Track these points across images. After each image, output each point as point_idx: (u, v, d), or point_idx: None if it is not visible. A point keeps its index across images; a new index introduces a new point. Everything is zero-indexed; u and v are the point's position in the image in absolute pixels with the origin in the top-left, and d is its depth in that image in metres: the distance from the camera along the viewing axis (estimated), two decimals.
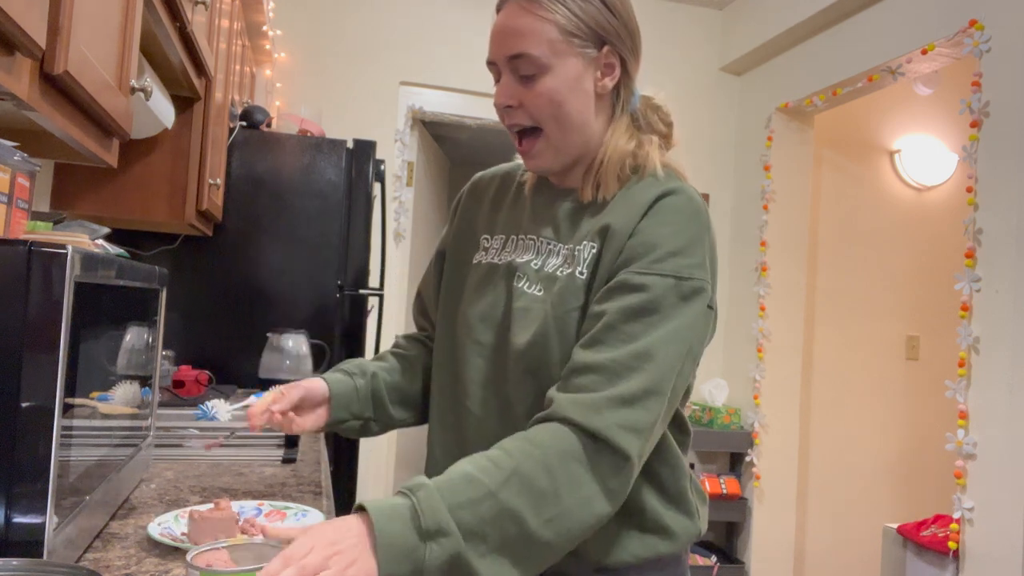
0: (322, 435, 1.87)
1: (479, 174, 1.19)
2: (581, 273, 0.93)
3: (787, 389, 3.48)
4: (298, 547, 0.69)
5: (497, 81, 0.98)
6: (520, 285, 0.97)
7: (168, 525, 1.04)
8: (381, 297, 2.68)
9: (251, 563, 0.71)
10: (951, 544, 2.31)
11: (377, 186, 2.74)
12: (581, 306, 0.92)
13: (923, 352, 3.79)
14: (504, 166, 1.17)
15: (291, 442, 1.55)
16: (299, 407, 1.06)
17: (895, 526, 2.75)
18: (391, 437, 3.39)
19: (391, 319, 3.35)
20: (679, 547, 0.98)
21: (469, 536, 0.75)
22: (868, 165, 3.77)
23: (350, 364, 1.13)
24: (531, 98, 0.94)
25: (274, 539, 0.76)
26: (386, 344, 3.29)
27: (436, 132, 3.98)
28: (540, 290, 0.95)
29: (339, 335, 2.53)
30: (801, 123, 3.54)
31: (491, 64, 0.99)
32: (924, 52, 2.63)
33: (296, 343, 2.29)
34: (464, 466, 0.81)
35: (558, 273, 0.95)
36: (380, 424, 1.13)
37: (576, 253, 0.95)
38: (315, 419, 1.07)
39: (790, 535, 3.46)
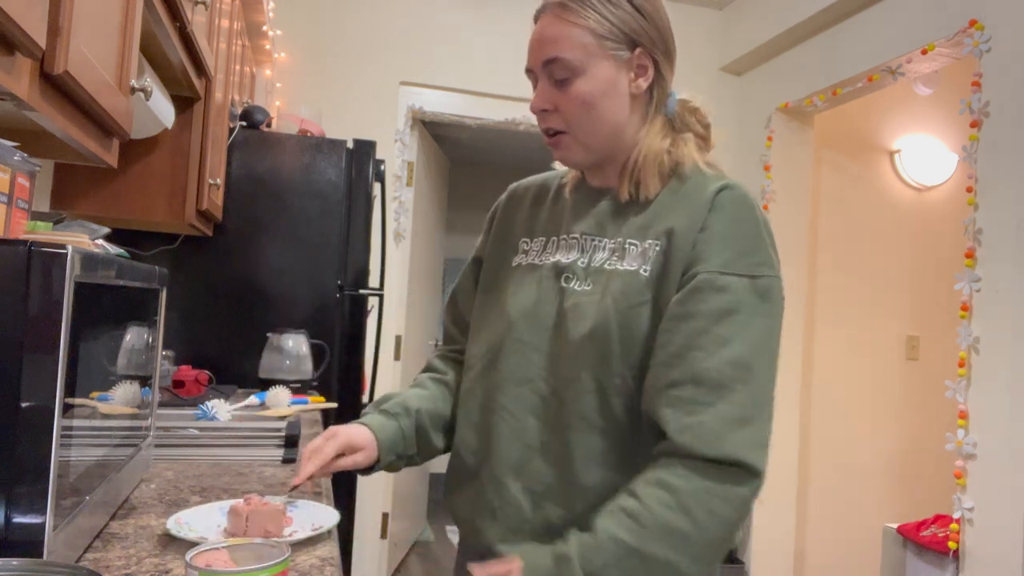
0: None
1: (515, 183, 1.20)
2: (646, 271, 0.94)
3: (787, 389, 3.48)
4: None
5: (534, 87, 1.01)
6: (570, 285, 0.98)
7: (189, 521, 1.04)
8: (381, 297, 2.68)
9: (251, 563, 0.71)
10: (951, 544, 2.31)
11: (377, 186, 2.74)
12: (647, 301, 0.93)
13: (923, 352, 3.79)
14: (541, 175, 1.18)
15: (291, 442, 1.55)
16: (338, 455, 1.03)
17: (895, 526, 2.75)
18: None
19: (391, 319, 3.35)
20: None
21: None
22: (868, 165, 3.77)
23: (391, 404, 1.10)
24: (565, 101, 0.97)
25: None
26: (386, 344, 3.29)
27: (436, 132, 3.97)
28: (590, 285, 0.97)
29: (339, 335, 2.53)
30: (801, 123, 3.54)
31: (529, 72, 1.02)
32: (924, 52, 2.63)
33: (296, 343, 2.29)
34: (606, 525, 0.85)
35: (606, 267, 0.97)
36: (423, 456, 1.11)
37: (628, 248, 0.96)
38: (354, 462, 1.03)
39: (790, 535, 3.46)
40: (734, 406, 0.86)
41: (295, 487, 0.99)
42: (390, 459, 1.07)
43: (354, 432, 1.04)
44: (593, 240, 1.00)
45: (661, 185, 0.99)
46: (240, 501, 1.04)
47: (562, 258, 1.01)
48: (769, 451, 0.88)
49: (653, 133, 1.01)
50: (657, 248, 0.94)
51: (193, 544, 0.97)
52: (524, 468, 0.96)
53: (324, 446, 1.01)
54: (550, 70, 0.97)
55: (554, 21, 0.97)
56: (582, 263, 0.99)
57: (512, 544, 0.95)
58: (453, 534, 4.44)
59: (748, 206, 0.95)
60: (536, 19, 1.01)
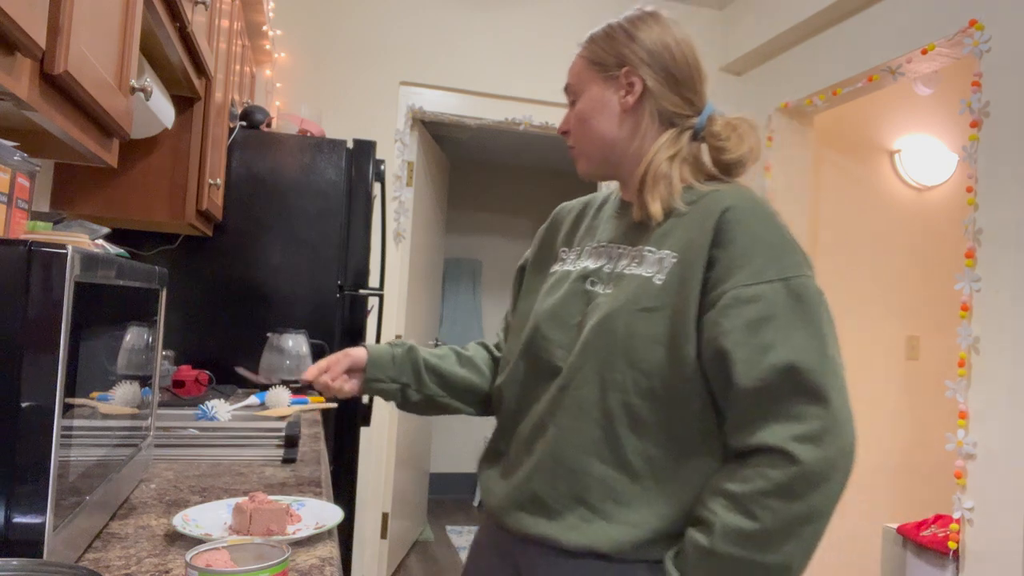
0: (322, 435, 1.87)
1: (563, 204, 1.30)
2: (660, 279, 0.99)
3: None
4: None
5: None
6: (595, 288, 1.06)
7: (196, 518, 1.05)
8: (381, 297, 2.68)
9: (251, 563, 0.71)
10: (951, 544, 2.31)
11: (377, 186, 2.74)
12: (659, 308, 0.97)
13: (923, 352, 3.79)
14: (587, 196, 1.28)
15: (291, 442, 1.55)
16: (348, 372, 1.20)
17: (895, 526, 2.75)
18: (390, 438, 3.39)
19: (391, 319, 3.35)
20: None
21: None
22: (868, 165, 3.77)
23: (395, 341, 1.26)
24: (571, 120, 1.14)
25: None
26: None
27: (436, 132, 3.97)
28: (611, 289, 1.04)
29: (339, 335, 2.53)
30: (801, 123, 3.54)
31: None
32: (924, 52, 2.63)
33: (296, 343, 2.29)
34: (688, 536, 0.92)
35: (626, 272, 1.03)
36: (420, 395, 1.22)
37: (645, 255, 1.02)
38: (356, 383, 1.21)
39: None
40: (803, 425, 0.88)
41: (306, 381, 1.17)
42: (378, 375, 1.20)
43: (356, 353, 1.21)
44: (618, 248, 1.08)
45: (663, 206, 1.04)
46: (245, 499, 1.04)
47: (590, 264, 1.09)
48: (828, 439, 0.88)
49: (657, 147, 1.07)
50: (674, 260, 0.99)
51: (198, 540, 0.97)
52: (532, 447, 1.04)
53: (339, 361, 1.20)
54: (567, 95, 1.15)
55: (576, 56, 1.15)
56: (608, 269, 1.07)
57: (509, 507, 1.04)
58: (453, 534, 4.44)
59: (759, 217, 0.98)
60: None
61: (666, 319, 0.96)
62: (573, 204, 1.27)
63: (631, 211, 1.10)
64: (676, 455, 0.96)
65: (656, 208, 1.03)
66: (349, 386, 1.20)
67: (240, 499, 1.07)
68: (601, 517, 0.96)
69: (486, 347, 1.30)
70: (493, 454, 1.15)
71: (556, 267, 1.16)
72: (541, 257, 1.22)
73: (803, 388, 0.89)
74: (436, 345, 4.28)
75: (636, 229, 1.07)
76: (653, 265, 1.00)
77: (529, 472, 1.03)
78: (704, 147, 1.10)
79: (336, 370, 1.19)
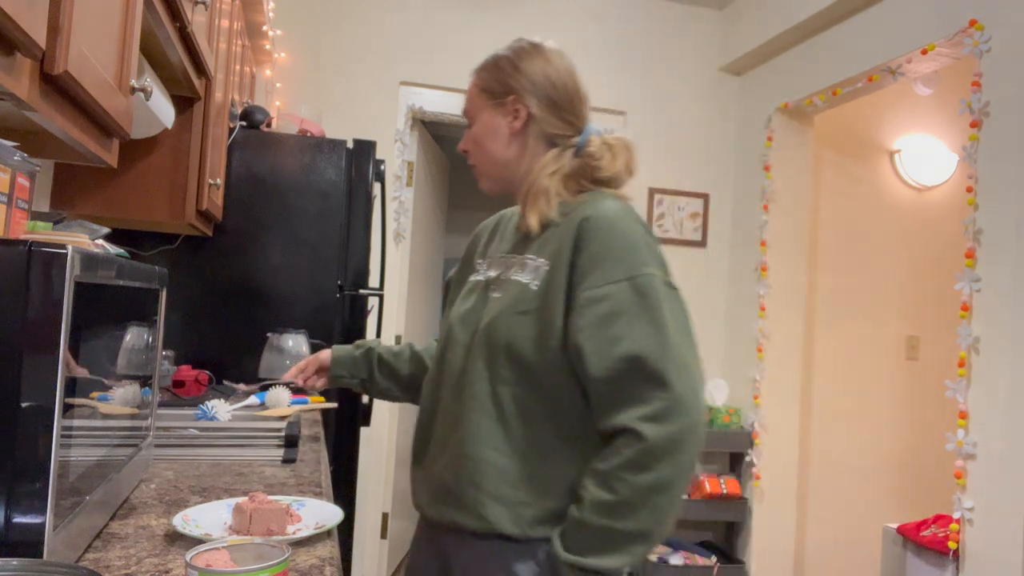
0: (322, 436, 1.87)
1: (483, 222, 1.42)
2: (535, 285, 1.12)
3: (787, 389, 3.48)
4: None
5: None
6: (492, 294, 1.19)
7: (196, 518, 1.04)
8: (381, 297, 2.68)
9: (251, 563, 0.71)
10: (951, 544, 2.31)
11: (377, 186, 2.74)
12: (532, 311, 1.10)
13: (923, 352, 3.79)
14: (502, 211, 1.39)
15: (291, 442, 1.55)
16: (318, 372, 1.49)
17: (895, 526, 2.75)
18: (390, 438, 3.39)
19: (391, 319, 3.35)
20: None
21: (586, 553, 1.01)
22: (868, 165, 3.77)
23: (360, 341, 1.50)
24: (470, 141, 1.26)
25: None
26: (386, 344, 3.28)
27: (436, 132, 3.98)
28: (501, 293, 1.17)
29: (339, 335, 2.52)
30: (801, 123, 3.54)
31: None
32: (924, 52, 2.63)
33: (296, 343, 2.29)
34: (568, 514, 1.05)
35: (511, 277, 1.17)
36: (376, 388, 1.46)
37: (527, 263, 1.15)
38: (325, 379, 1.49)
39: (790, 535, 3.46)
40: (634, 398, 1.01)
41: (287, 381, 1.47)
42: (341, 372, 1.46)
43: (324, 355, 1.48)
44: (512, 257, 1.21)
45: (540, 218, 1.16)
46: (245, 499, 1.04)
47: (493, 273, 1.23)
48: (670, 417, 0.99)
49: (540, 166, 1.20)
50: (547, 268, 1.12)
51: (198, 540, 0.97)
52: (446, 442, 1.15)
53: (310, 364, 1.48)
54: (467, 119, 1.27)
55: (470, 84, 1.27)
56: (503, 276, 1.19)
57: (430, 500, 1.16)
58: None
59: (611, 224, 1.10)
60: None
61: (537, 320, 1.09)
62: (489, 221, 1.39)
63: (518, 222, 1.23)
64: (561, 440, 1.08)
65: (533, 221, 1.16)
66: (320, 383, 1.48)
67: (240, 499, 1.07)
68: (498, 502, 1.07)
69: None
70: (416, 454, 1.26)
71: (472, 277, 1.29)
72: (463, 271, 1.35)
73: (647, 375, 1.01)
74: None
75: (524, 239, 1.20)
76: (531, 272, 1.14)
77: (442, 466, 1.14)
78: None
79: (308, 371, 1.47)
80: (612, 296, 1.04)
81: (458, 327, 1.20)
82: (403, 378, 1.43)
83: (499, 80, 1.22)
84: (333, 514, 1.12)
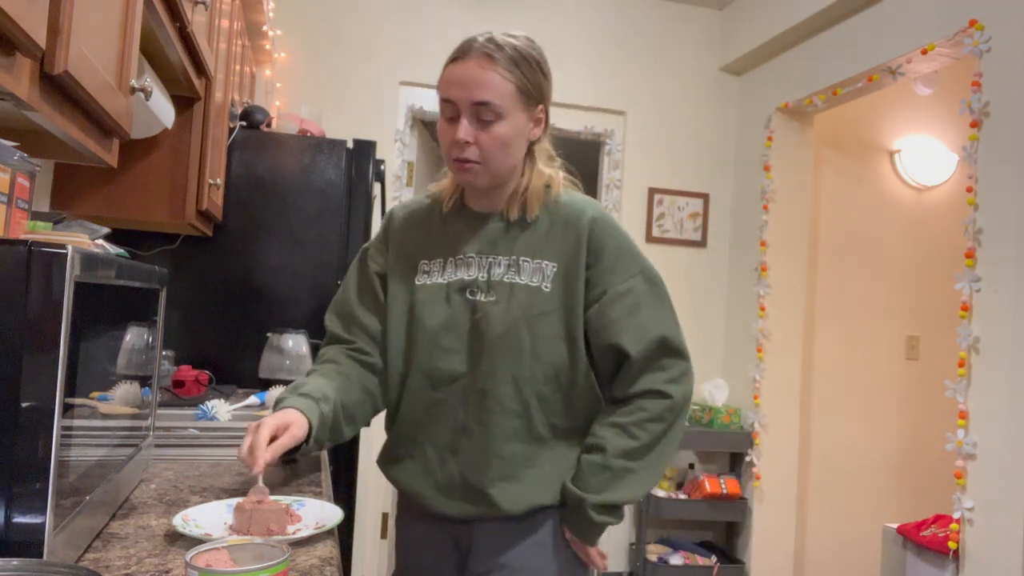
0: None
1: (394, 207, 1.38)
2: (547, 287, 1.19)
3: (787, 389, 3.48)
4: None
5: (451, 116, 1.19)
6: (476, 297, 1.20)
7: (196, 518, 1.04)
8: None
9: (251, 563, 0.71)
10: (951, 544, 2.31)
11: (377, 186, 2.74)
12: (552, 311, 1.19)
13: (923, 352, 3.79)
14: (415, 199, 1.37)
15: None
16: (273, 438, 1.08)
17: (895, 526, 2.75)
18: None
19: None
20: None
21: (607, 490, 1.17)
22: (868, 165, 3.77)
23: (311, 389, 1.18)
24: (486, 139, 1.16)
25: None
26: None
27: (436, 132, 3.98)
28: (493, 296, 1.20)
29: None
30: (801, 123, 3.53)
31: (448, 102, 1.19)
32: (924, 52, 2.63)
33: (296, 343, 2.29)
34: (584, 461, 1.20)
35: (505, 280, 1.20)
36: (331, 442, 1.21)
37: (522, 264, 1.20)
38: (292, 437, 1.09)
39: (790, 535, 3.46)
40: (662, 369, 1.20)
41: (255, 474, 1.03)
42: (312, 448, 1.15)
43: (282, 415, 1.10)
44: (488, 258, 1.22)
45: (538, 209, 1.23)
46: (245, 499, 1.04)
47: (464, 275, 1.22)
48: (686, 380, 1.23)
49: (538, 165, 1.25)
50: (554, 269, 1.20)
51: (198, 540, 0.97)
52: (456, 447, 1.20)
53: (259, 436, 1.05)
54: (477, 110, 1.15)
55: (485, 68, 1.15)
56: (483, 278, 1.21)
57: (447, 500, 1.20)
58: None
59: (614, 225, 1.24)
60: (457, 59, 1.19)
61: (559, 319, 1.19)
62: (412, 209, 1.34)
63: (491, 220, 1.24)
64: (572, 418, 1.22)
65: (534, 213, 1.22)
66: (289, 437, 1.08)
67: (240, 499, 1.07)
68: (524, 483, 1.18)
69: (357, 360, 1.26)
70: (397, 458, 1.27)
71: (422, 279, 1.25)
72: (400, 269, 1.27)
73: (670, 349, 1.21)
74: None
75: (501, 237, 1.22)
76: (536, 274, 1.20)
77: (462, 467, 1.19)
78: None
79: (263, 447, 1.05)
80: (634, 289, 1.20)
81: (443, 335, 1.21)
82: (358, 415, 1.25)
83: (535, 84, 1.19)
84: (333, 514, 1.12)
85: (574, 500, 1.18)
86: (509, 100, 1.16)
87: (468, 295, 1.21)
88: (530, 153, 1.26)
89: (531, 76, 1.18)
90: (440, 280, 1.24)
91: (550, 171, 1.27)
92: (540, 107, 1.22)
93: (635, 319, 1.19)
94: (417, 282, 1.26)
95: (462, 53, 1.19)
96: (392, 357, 1.26)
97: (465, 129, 1.16)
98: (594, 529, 1.20)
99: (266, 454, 1.03)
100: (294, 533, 1.03)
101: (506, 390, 1.18)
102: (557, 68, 1.28)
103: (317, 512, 1.13)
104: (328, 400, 1.17)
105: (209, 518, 1.06)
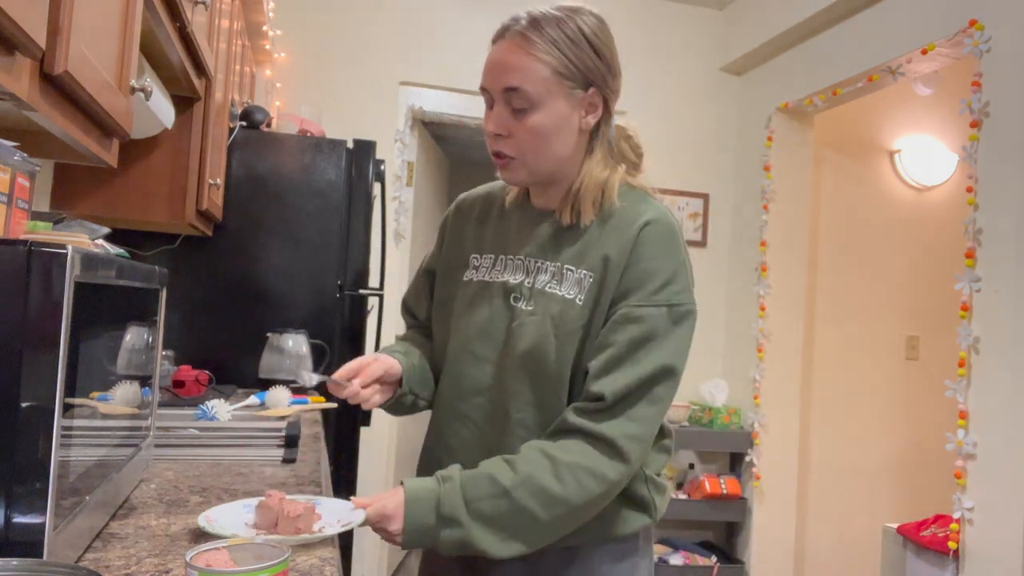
0: (322, 435, 1.87)
1: (463, 195, 1.27)
2: (580, 300, 1.04)
3: (787, 389, 3.48)
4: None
5: (489, 106, 1.07)
6: (518, 304, 1.08)
7: (218, 518, 1.03)
8: (381, 297, 2.68)
9: (251, 563, 0.71)
10: (951, 544, 2.31)
11: (377, 186, 2.74)
12: (581, 326, 1.03)
13: (923, 352, 3.79)
14: (485, 187, 1.26)
15: (291, 442, 1.55)
16: (379, 382, 1.12)
17: (895, 526, 2.75)
18: (391, 438, 3.39)
19: (391, 319, 3.35)
20: (631, 530, 1.11)
21: (485, 524, 0.97)
22: (868, 165, 3.77)
23: (400, 346, 1.22)
24: (520, 130, 1.03)
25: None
26: (386, 344, 3.28)
27: (436, 132, 3.97)
28: (532, 305, 1.07)
29: (339, 335, 2.53)
30: (801, 123, 3.54)
31: (484, 91, 1.07)
32: (924, 52, 2.63)
33: (296, 343, 2.29)
34: (489, 467, 1.00)
35: (547, 289, 1.06)
36: (423, 401, 1.20)
37: (566, 273, 1.06)
38: (384, 395, 1.14)
39: (790, 535, 3.46)
40: (633, 410, 1.00)
41: (333, 380, 1.07)
42: (405, 390, 1.15)
43: (390, 364, 1.13)
44: (537, 262, 1.09)
45: (594, 213, 1.07)
46: (268, 497, 1.02)
47: (510, 278, 1.10)
48: (646, 446, 1.03)
49: (595, 163, 1.08)
50: (591, 279, 1.04)
51: (176, 549, 0.96)
52: (473, 461, 1.06)
53: (372, 365, 1.10)
54: (509, 97, 1.03)
55: (517, 49, 1.02)
56: (528, 284, 1.08)
57: None
58: None
59: (668, 239, 1.04)
60: (495, 41, 1.06)
61: (584, 335, 1.04)
62: (474, 199, 1.24)
63: (546, 220, 1.10)
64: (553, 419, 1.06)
65: (587, 218, 1.07)
66: (378, 398, 1.12)
67: (259, 498, 1.05)
68: None
69: (419, 331, 1.27)
70: (431, 466, 1.14)
71: (470, 275, 1.15)
72: (450, 264, 1.19)
73: (648, 397, 1.01)
74: None
75: (551, 241, 1.09)
76: (574, 286, 1.05)
77: None
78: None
79: (367, 377, 1.09)
80: (648, 319, 1.00)
81: (477, 340, 1.10)
82: (432, 382, 1.23)
83: (580, 64, 1.02)
84: (355, 512, 1.09)
85: (443, 502, 0.98)
86: (544, 86, 1.01)
87: (511, 301, 1.08)
88: (589, 146, 1.09)
89: (576, 56, 1.01)
90: (487, 279, 1.13)
91: (606, 172, 1.08)
92: (592, 90, 1.04)
93: (634, 354, 1.00)
94: (464, 278, 1.15)
95: (498, 34, 1.05)
96: (436, 355, 1.20)
97: (496, 119, 1.04)
98: (426, 539, 0.99)
99: (345, 375, 1.07)
100: (320, 531, 1.02)
101: (529, 412, 1.05)
102: None
103: (333, 510, 1.11)
104: (413, 355, 1.18)
105: (229, 518, 1.05)
